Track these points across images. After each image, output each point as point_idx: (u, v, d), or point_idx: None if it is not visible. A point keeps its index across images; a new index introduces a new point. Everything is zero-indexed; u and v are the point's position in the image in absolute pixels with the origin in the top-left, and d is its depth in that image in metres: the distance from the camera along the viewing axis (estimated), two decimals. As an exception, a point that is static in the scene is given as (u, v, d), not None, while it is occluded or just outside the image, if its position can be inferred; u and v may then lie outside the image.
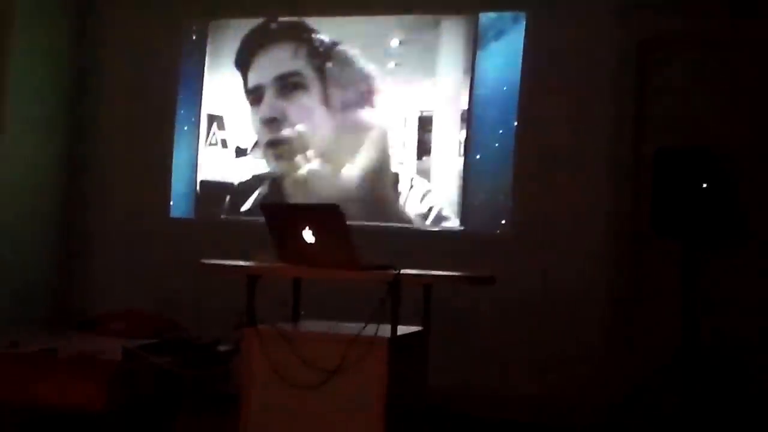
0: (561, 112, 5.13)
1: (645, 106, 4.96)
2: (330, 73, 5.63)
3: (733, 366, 4.65)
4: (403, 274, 3.28)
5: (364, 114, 5.56)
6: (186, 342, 4.50)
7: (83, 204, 6.14)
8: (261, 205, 3.56)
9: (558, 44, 5.16)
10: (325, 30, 5.68)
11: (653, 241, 4.75)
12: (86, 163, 6.16)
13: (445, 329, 3.89)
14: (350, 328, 3.33)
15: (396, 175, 5.49)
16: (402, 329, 3.35)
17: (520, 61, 5.25)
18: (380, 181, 5.52)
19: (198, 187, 5.96)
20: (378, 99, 5.54)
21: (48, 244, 6.00)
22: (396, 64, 5.52)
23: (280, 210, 3.49)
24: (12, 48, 5.67)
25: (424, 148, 5.44)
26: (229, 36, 5.94)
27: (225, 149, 5.90)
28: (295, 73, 5.71)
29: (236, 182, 5.87)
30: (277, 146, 5.75)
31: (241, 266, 3.54)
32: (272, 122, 5.75)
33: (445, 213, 5.40)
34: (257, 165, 5.81)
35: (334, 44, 5.64)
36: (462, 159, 5.34)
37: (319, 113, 5.64)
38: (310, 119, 5.66)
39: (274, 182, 5.76)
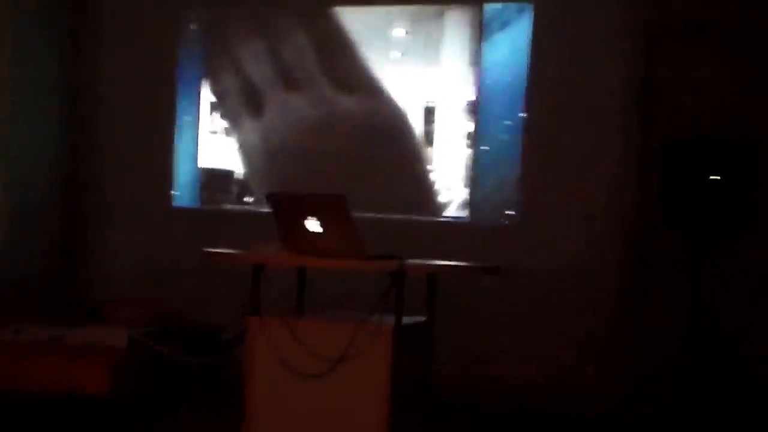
0: (568, 102, 5.11)
1: (654, 96, 4.91)
2: (333, 62, 5.60)
3: (739, 359, 4.63)
4: (407, 264, 3.27)
5: (369, 103, 5.53)
6: (191, 330, 4.51)
7: (85, 194, 6.11)
8: (267, 195, 3.55)
9: (565, 34, 5.13)
10: (328, 20, 5.66)
11: (661, 233, 4.72)
12: (87, 154, 6.13)
13: (450, 319, 3.88)
14: (355, 317, 3.33)
15: (402, 165, 5.48)
16: (406, 319, 3.35)
17: (527, 51, 5.23)
18: (386, 171, 5.50)
19: (201, 176, 5.95)
20: (383, 89, 5.51)
21: (51, 235, 6.00)
22: (402, 54, 5.50)
23: (286, 199, 3.48)
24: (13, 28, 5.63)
25: (428, 139, 5.43)
26: (230, 25, 5.90)
27: (228, 138, 5.89)
28: (297, 62, 5.68)
29: (239, 171, 5.87)
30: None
31: (247, 255, 3.54)
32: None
33: (451, 204, 5.39)
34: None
35: (338, 34, 5.62)
36: (470, 150, 5.33)
37: (323, 103, 5.61)
38: (313, 109, 5.64)
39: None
